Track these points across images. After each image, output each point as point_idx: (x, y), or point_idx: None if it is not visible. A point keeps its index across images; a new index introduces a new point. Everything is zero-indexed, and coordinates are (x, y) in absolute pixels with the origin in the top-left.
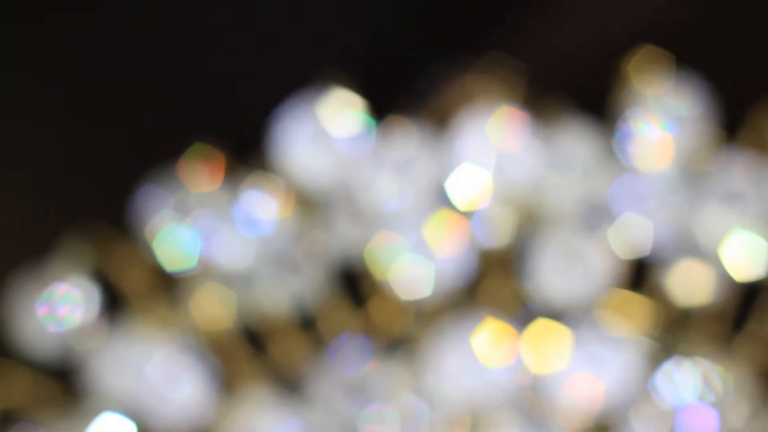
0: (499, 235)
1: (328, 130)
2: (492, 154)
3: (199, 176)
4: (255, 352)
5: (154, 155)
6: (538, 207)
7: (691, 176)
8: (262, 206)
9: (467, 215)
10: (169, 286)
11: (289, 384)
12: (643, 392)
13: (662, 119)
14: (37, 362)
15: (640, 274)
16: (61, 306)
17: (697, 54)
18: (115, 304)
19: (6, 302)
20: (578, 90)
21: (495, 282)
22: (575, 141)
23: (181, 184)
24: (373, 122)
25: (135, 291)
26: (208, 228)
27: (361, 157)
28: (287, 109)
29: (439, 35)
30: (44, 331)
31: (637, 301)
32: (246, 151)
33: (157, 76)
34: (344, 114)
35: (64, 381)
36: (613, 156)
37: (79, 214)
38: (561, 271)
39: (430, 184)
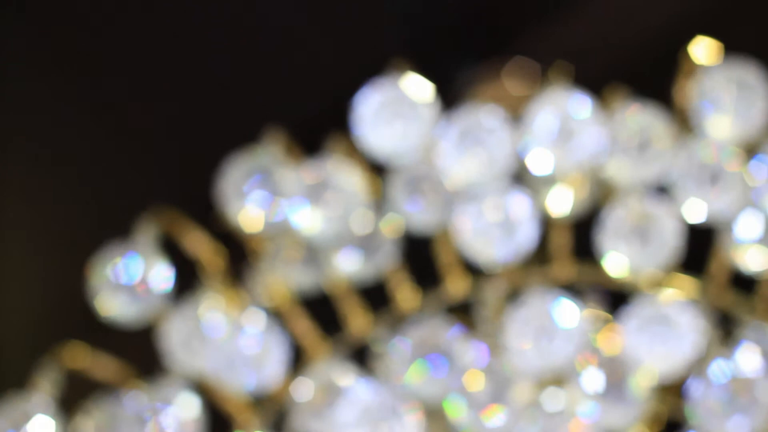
0: (571, 207)
1: (406, 107)
2: (562, 130)
3: (280, 151)
4: (330, 324)
5: (238, 136)
6: (608, 181)
7: (754, 152)
8: (342, 180)
9: (540, 187)
10: (243, 262)
11: (366, 353)
12: (714, 360)
13: (722, 99)
14: (118, 335)
15: (709, 247)
16: (141, 281)
17: (752, 37)
18: (191, 280)
19: (91, 279)
20: (632, 77)
21: (567, 251)
22: (639, 119)
23: (264, 160)
24: (442, 102)
25: (210, 268)
26: (289, 201)
27: (438, 131)
28: (366, 89)
29: (475, 32)
30: (125, 305)
31: (702, 279)
32: (326, 128)
33: (239, 64)
34: (420, 93)
35: (142, 354)
36: (678, 133)
37: (159, 197)
38: (632, 242)
39: (503, 158)
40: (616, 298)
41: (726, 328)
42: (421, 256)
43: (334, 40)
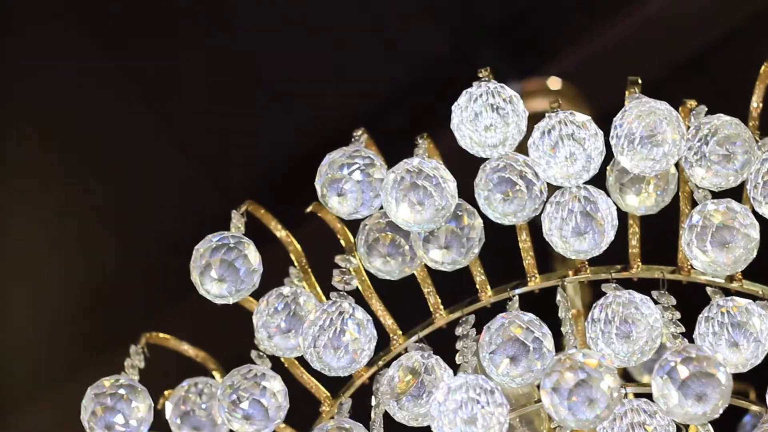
0: (651, 208)
1: (504, 101)
2: (647, 134)
3: (370, 148)
4: (413, 313)
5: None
6: (689, 184)
7: None
8: (438, 175)
9: (622, 187)
10: (331, 251)
11: (446, 344)
12: None
13: None
14: (216, 312)
15: None
16: (234, 264)
17: None
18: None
19: (192, 263)
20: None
21: (654, 249)
22: (724, 125)
23: (363, 153)
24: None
25: (297, 255)
26: (383, 194)
27: (532, 132)
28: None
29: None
30: (222, 286)
31: None
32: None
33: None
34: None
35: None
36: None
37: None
38: (710, 244)
39: (595, 158)
40: (691, 300)
41: None
42: (499, 249)
43: (379, 47)
